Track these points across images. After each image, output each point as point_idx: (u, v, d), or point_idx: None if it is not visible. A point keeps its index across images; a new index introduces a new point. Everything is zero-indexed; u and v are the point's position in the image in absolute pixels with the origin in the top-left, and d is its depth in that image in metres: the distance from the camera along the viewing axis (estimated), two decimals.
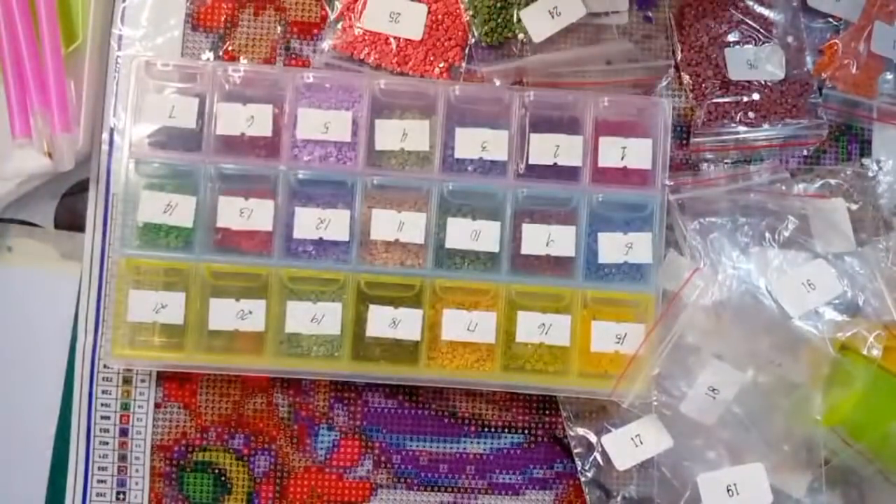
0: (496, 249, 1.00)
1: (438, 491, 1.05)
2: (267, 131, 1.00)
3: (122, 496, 1.04)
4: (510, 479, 1.05)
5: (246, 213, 0.99)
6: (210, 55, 1.06)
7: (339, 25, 1.05)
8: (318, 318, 0.98)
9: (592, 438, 1.01)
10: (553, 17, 1.03)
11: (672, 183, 1.02)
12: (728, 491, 0.95)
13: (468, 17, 1.05)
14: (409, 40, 1.05)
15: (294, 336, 0.99)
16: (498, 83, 1.04)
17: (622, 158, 1.01)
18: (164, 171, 1.00)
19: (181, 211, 0.98)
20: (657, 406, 0.98)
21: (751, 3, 1.06)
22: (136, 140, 0.99)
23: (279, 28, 1.07)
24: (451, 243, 1.00)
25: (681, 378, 0.97)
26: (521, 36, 1.05)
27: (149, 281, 0.99)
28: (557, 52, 1.05)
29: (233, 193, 0.99)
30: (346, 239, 0.99)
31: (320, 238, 0.99)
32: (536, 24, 1.03)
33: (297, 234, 0.99)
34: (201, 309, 0.99)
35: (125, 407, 1.04)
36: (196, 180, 0.99)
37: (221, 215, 0.99)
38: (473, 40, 1.05)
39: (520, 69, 1.04)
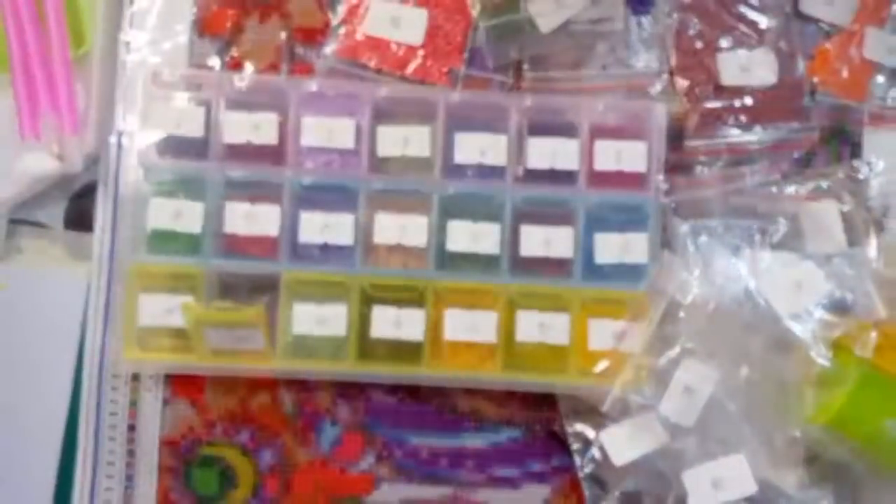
0: (496, 251, 1.02)
1: (439, 484, 1.07)
2: (272, 139, 1.01)
3: (129, 490, 1.06)
4: (508, 472, 1.07)
5: (252, 219, 1.00)
6: (216, 60, 1.07)
7: (342, 31, 1.06)
8: (323, 320, 1.00)
9: (590, 434, 1.02)
10: (559, 6, 1.04)
11: (666, 185, 1.03)
12: (713, 484, 0.97)
13: (475, 12, 1.06)
14: (410, 45, 1.06)
15: (300, 338, 1.01)
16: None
17: (618, 162, 1.03)
18: (172, 178, 1.01)
19: (189, 217, 1.00)
20: (636, 409, 0.99)
21: (743, 9, 1.07)
22: (145, 148, 1.01)
23: (284, 34, 1.08)
24: (452, 246, 1.01)
25: (659, 379, 0.98)
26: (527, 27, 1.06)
27: (158, 285, 1.00)
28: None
29: (239, 199, 1.01)
30: (351, 243, 1.01)
31: (325, 242, 1.01)
32: (543, 14, 1.04)
33: (302, 239, 1.01)
34: None
35: (133, 403, 1.06)
36: (203, 187, 1.01)
37: (228, 221, 1.01)
38: (483, 29, 1.06)
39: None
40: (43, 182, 1.03)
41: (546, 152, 1.03)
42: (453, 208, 1.02)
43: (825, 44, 1.09)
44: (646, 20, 1.08)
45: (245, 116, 1.01)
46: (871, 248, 1.03)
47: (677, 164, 1.07)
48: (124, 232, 1.04)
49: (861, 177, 1.06)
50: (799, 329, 0.98)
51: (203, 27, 1.08)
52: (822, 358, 0.97)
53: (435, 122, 1.02)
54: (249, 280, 1.02)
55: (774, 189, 1.04)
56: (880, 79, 1.09)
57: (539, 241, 1.02)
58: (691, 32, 1.07)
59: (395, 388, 1.07)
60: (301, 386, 1.06)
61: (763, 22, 1.07)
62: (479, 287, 1.02)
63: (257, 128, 1.01)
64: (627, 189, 1.03)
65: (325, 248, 1.02)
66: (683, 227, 1.01)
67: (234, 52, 1.08)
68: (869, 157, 1.08)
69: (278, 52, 1.08)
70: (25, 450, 1.06)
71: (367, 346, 1.01)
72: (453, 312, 1.01)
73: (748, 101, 1.06)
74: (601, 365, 1.01)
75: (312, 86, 1.03)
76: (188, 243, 1.01)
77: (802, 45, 1.08)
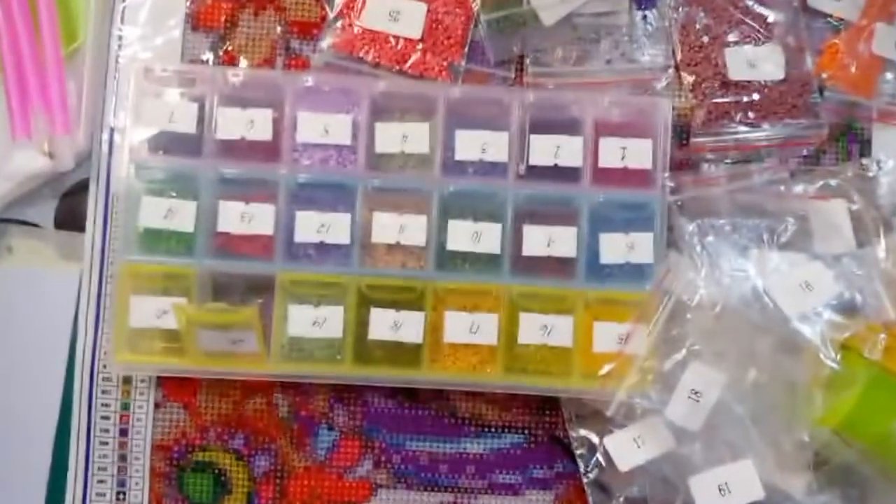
0: (497, 251, 1.00)
1: (438, 491, 1.05)
2: (267, 135, 1.00)
3: (121, 496, 1.04)
4: (510, 479, 1.05)
5: (247, 218, 0.99)
6: (210, 55, 1.06)
7: (339, 24, 1.05)
8: (319, 321, 0.99)
9: (595, 439, 1.01)
10: None
11: (673, 183, 1.02)
12: (720, 490, 0.96)
13: (476, 4, 1.05)
14: (409, 39, 1.04)
15: (296, 339, 0.99)
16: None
17: (622, 159, 1.01)
18: (164, 176, 1.00)
19: (182, 216, 0.99)
20: (641, 413, 0.98)
21: (751, 3, 1.06)
22: (136, 145, 0.99)
23: (279, 28, 1.07)
24: (452, 245, 1.00)
25: (665, 382, 0.97)
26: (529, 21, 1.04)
27: (150, 286, 0.99)
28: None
29: (233, 198, 0.99)
30: (348, 242, 1.00)
31: (321, 241, 0.99)
32: (546, 7, 1.03)
33: (298, 238, 1.00)
34: None
35: (125, 407, 1.04)
36: (196, 185, 0.99)
37: (222, 220, 0.99)
38: (484, 22, 1.05)
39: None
40: (34, 181, 1.02)
41: (549, 149, 1.01)
42: (453, 207, 1.01)
43: (834, 39, 1.07)
44: (651, 14, 1.07)
45: (239, 112, 1.00)
46: (881, 247, 1.01)
47: (683, 161, 1.06)
48: (116, 231, 1.04)
49: (870, 175, 1.05)
50: (807, 330, 0.97)
51: (196, 21, 1.07)
52: (830, 360, 0.96)
53: (435, 118, 1.01)
54: (244, 280, 1.01)
55: (782, 187, 1.03)
56: (889, 76, 1.08)
57: (541, 240, 1.01)
58: (698, 27, 1.06)
59: (393, 392, 1.05)
60: (296, 389, 1.05)
61: (771, 16, 1.06)
62: (480, 288, 1.01)
63: (252, 124, 1.00)
64: (632, 187, 1.02)
65: (321, 247, 1.00)
66: (690, 227, 1.00)
67: (228, 46, 1.07)
68: (878, 155, 1.08)
69: (273, 46, 1.07)
70: (16, 454, 1.05)
71: (364, 349, 1.00)
72: (453, 314, 1.00)
73: (755, 96, 1.05)
74: (606, 368, 0.99)
75: (308, 80, 1.01)
76: (181, 243, 0.99)
77: (810, 40, 1.07)
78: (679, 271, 0.99)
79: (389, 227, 1.00)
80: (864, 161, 1.06)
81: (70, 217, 1.06)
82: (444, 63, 1.04)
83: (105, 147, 1.05)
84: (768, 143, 1.05)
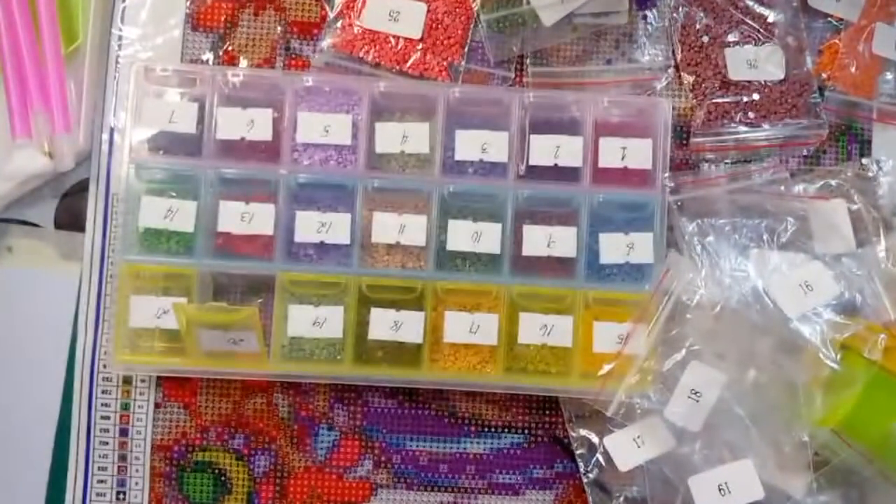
0: (497, 251, 1.00)
1: (438, 491, 1.05)
2: (267, 135, 1.00)
3: (121, 496, 1.04)
4: (510, 479, 1.05)
5: (247, 218, 0.98)
6: (210, 55, 1.06)
7: (339, 24, 1.04)
8: (319, 321, 0.98)
9: (594, 439, 1.01)
10: None
11: (672, 183, 1.01)
12: (720, 490, 0.95)
13: (476, 4, 1.05)
14: (409, 39, 1.04)
15: (296, 340, 0.99)
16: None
17: (622, 159, 1.01)
18: (164, 176, 1.00)
19: (182, 216, 0.98)
20: (641, 413, 0.97)
21: (751, 3, 1.06)
22: (136, 145, 0.99)
23: (279, 28, 1.07)
24: (452, 245, 1.00)
25: (665, 382, 0.97)
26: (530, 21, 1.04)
27: (150, 286, 0.99)
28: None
29: (233, 198, 0.99)
30: (348, 242, 0.99)
31: (321, 241, 0.99)
32: (546, 7, 1.02)
33: (298, 238, 0.99)
34: None
35: (125, 407, 1.04)
36: (196, 185, 0.99)
37: (222, 220, 0.99)
38: (484, 22, 1.04)
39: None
40: (34, 181, 1.02)
41: (549, 149, 1.01)
42: (453, 207, 1.01)
43: (834, 39, 1.07)
44: (651, 14, 1.07)
45: (239, 112, 1.00)
46: (881, 247, 1.01)
47: (683, 161, 1.06)
48: (116, 231, 1.04)
49: (870, 175, 1.05)
50: (807, 331, 0.97)
51: (196, 21, 1.07)
52: (830, 360, 0.96)
53: (435, 118, 1.01)
54: (244, 280, 1.01)
55: (782, 187, 1.03)
56: (889, 75, 1.08)
57: (541, 240, 1.01)
58: (698, 27, 1.06)
59: (393, 392, 1.05)
60: (296, 389, 1.05)
61: (771, 16, 1.06)
62: (480, 288, 1.00)
63: (252, 124, 1.00)
64: (632, 187, 1.02)
65: (321, 247, 1.00)
66: (690, 227, 1.00)
67: (228, 46, 1.07)
68: (878, 155, 1.08)
69: (273, 46, 1.07)
70: (16, 454, 1.04)
71: (364, 349, 1.00)
72: (453, 314, 1.00)
73: (756, 96, 1.05)
74: (605, 368, 0.99)
75: (308, 80, 1.01)
76: (181, 243, 0.99)
77: (810, 40, 1.08)
78: (679, 271, 0.99)
79: (389, 227, 1.00)
80: (864, 161, 1.06)
81: (70, 217, 1.05)
82: (444, 63, 1.04)
83: (105, 147, 1.05)
84: (768, 143, 1.05)
